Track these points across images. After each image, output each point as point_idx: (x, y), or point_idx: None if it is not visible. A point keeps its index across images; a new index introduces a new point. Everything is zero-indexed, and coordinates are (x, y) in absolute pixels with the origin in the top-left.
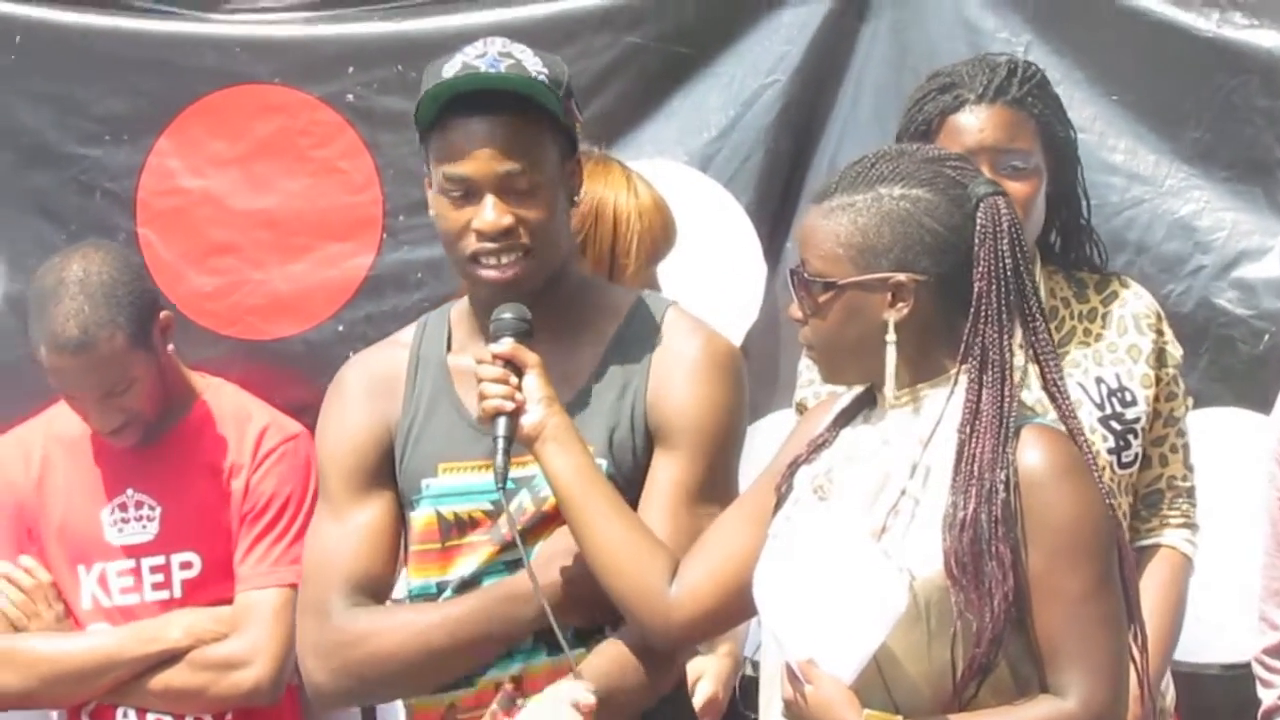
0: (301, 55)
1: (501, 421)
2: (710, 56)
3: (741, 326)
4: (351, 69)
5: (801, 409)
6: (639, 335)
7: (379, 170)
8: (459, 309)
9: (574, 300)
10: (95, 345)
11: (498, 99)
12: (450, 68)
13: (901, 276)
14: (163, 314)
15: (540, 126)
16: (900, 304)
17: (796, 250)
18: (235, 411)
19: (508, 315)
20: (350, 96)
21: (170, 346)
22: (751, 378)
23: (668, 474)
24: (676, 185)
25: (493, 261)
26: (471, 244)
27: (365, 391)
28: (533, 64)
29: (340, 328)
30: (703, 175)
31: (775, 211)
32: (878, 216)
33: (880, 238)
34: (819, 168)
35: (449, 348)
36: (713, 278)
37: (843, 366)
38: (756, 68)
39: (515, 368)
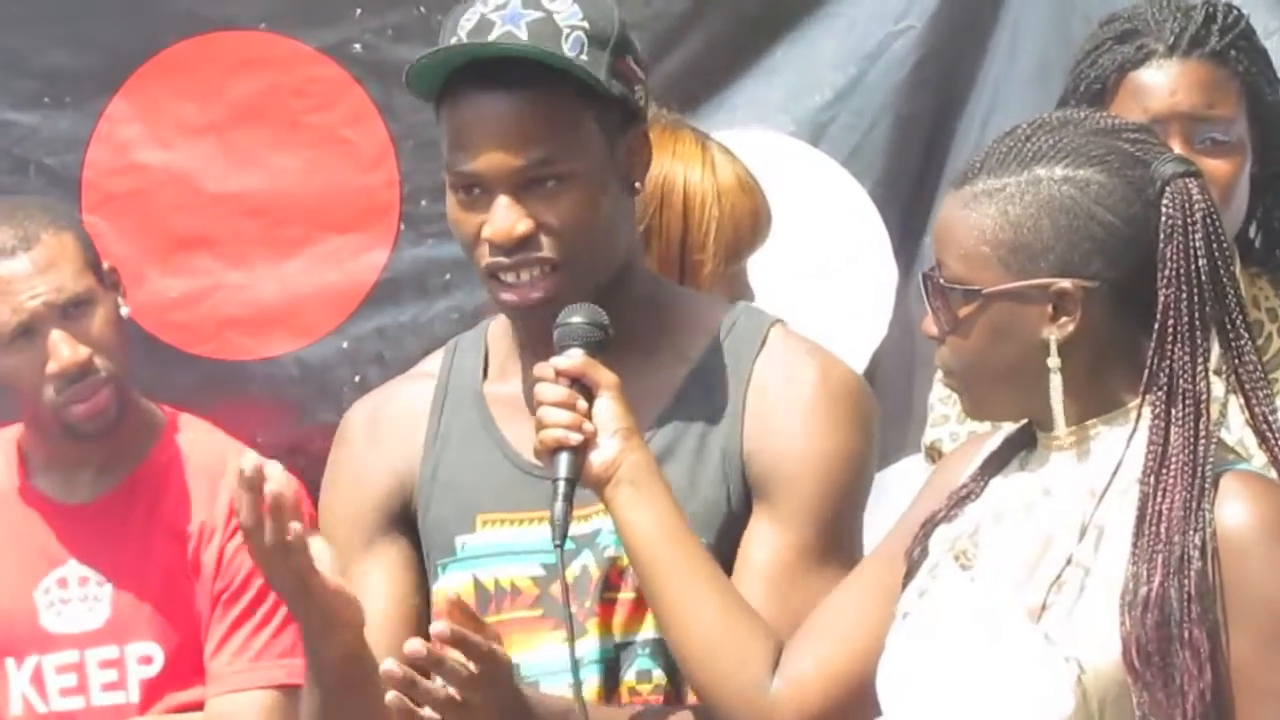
0: None
1: (564, 458)
2: None
3: (865, 348)
4: (359, 11)
5: (935, 454)
6: (731, 359)
7: (395, 141)
8: (499, 326)
9: (642, 312)
10: (39, 240)
11: (519, 64)
12: (466, 22)
13: (1065, 283)
14: (107, 263)
15: (575, 99)
16: (1064, 318)
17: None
18: (207, 457)
19: (578, 319)
20: (358, 46)
21: (125, 310)
22: (880, 412)
23: (771, 541)
24: (779, 163)
25: (510, 279)
26: (484, 258)
27: (373, 436)
28: (568, 14)
29: (344, 345)
30: (814, 150)
31: (909, 197)
32: (1035, 205)
33: (1038, 233)
34: (964, 140)
35: (485, 374)
36: (827, 285)
37: (990, 398)
38: (883, 10)
39: (585, 389)
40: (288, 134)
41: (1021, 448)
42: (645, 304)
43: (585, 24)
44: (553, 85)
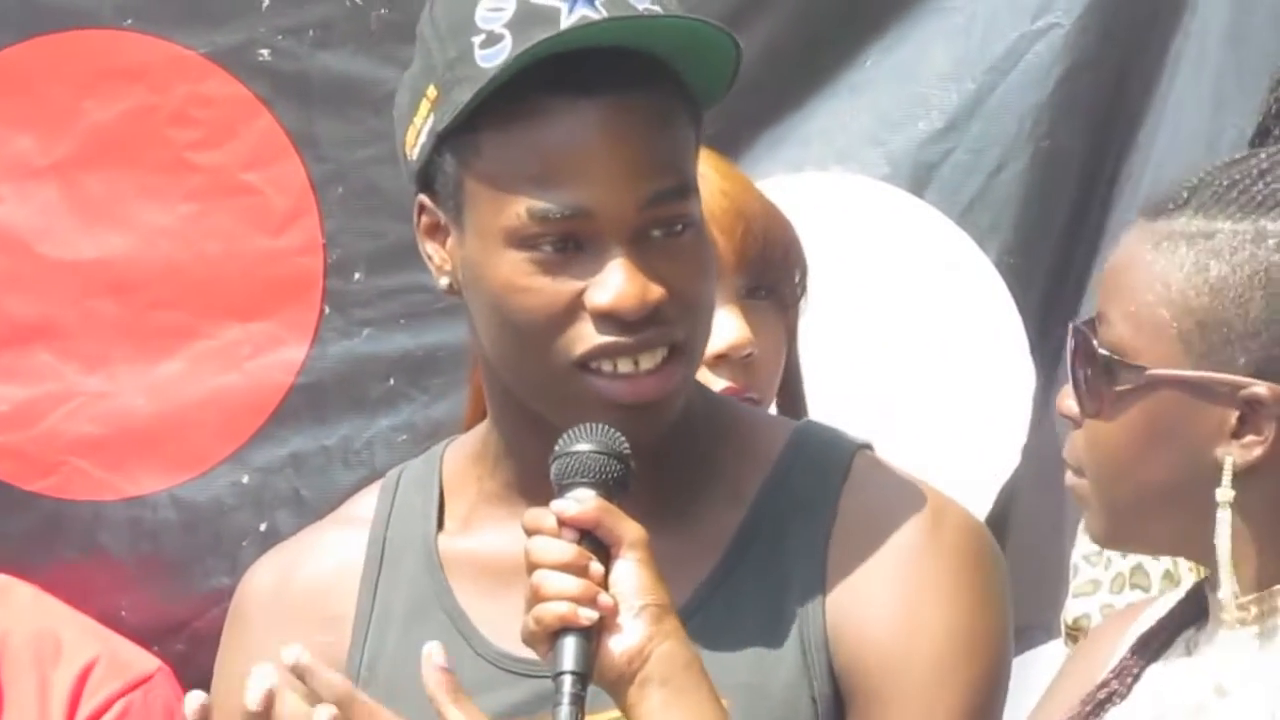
0: None
1: (570, 645)
2: None
3: (991, 484)
4: (267, 2)
5: (1079, 635)
6: (801, 499)
7: (317, 188)
8: (458, 455)
9: (685, 432)
10: None
11: (605, 66)
12: (493, 14)
13: (1261, 388)
14: None
15: (680, 105)
16: (1251, 436)
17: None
18: (34, 640)
19: (585, 447)
20: (265, 53)
21: None
22: (1014, 573)
23: None
24: (867, 217)
25: (626, 369)
26: (588, 338)
27: (278, 615)
28: None
29: (245, 479)
30: (917, 200)
31: (1052, 270)
32: (1249, 270)
33: (1243, 309)
34: (1132, 187)
35: (440, 524)
36: (934, 393)
37: (1130, 516)
38: (1016, 3)
39: (599, 546)
40: (165, 178)
41: (1187, 624)
42: (688, 420)
43: (653, 5)
44: (665, 86)
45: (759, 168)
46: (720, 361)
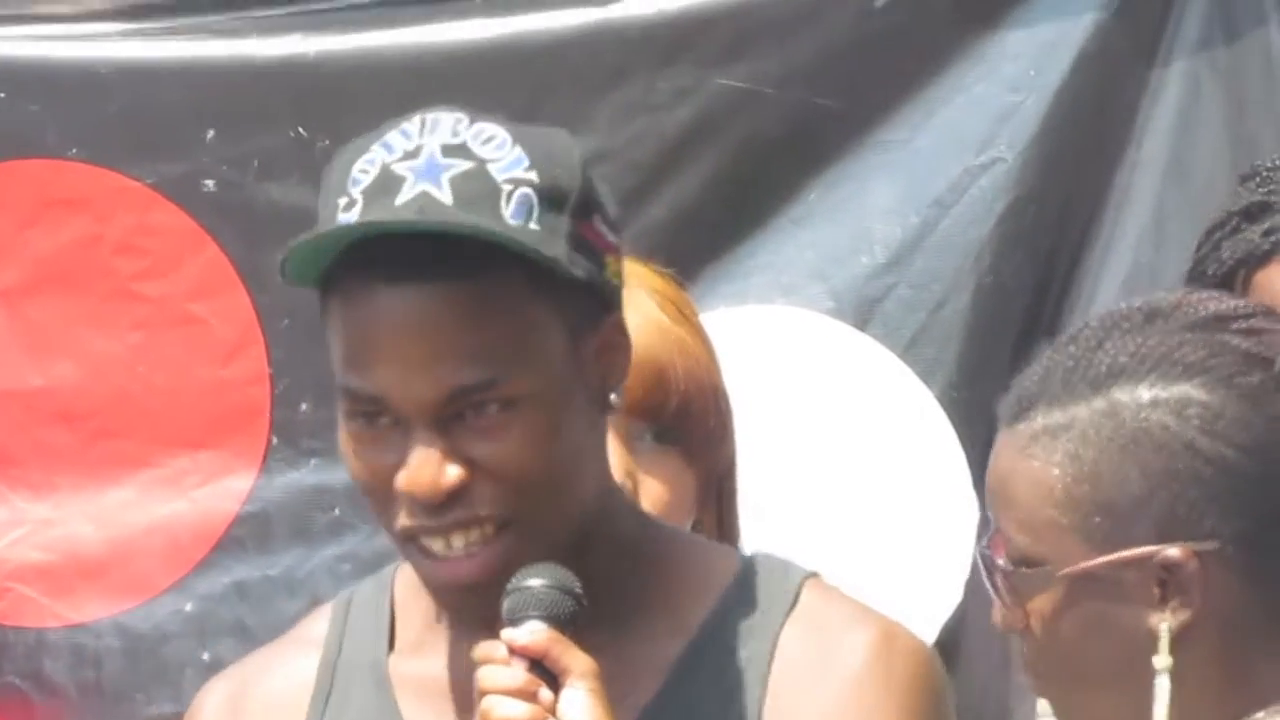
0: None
1: None
2: (872, 114)
3: (931, 620)
4: (212, 132)
5: None
6: (745, 627)
7: (263, 319)
8: (409, 577)
9: (623, 565)
10: None
11: (424, 250)
12: (362, 174)
13: (1173, 550)
14: None
15: (525, 288)
16: (1176, 600)
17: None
18: None
19: (538, 582)
20: (210, 184)
21: None
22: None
23: None
24: (810, 352)
25: (439, 549)
26: (401, 516)
27: None
28: (508, 162)
29: (188, 607)
30: (859, 334)
31: (997, 401)
32: (1115, 446)
33: (1123, 485)
34: (1077, 318)
35: (391, 644)
36: (874, 528)
37: (1083, 707)
38: (960, 137)
39: (548, 675)
40: (111, 308)
41: None
42: (627, 554)
43: (533, 175)
44: (493, 271)
45: (702, 301)
46: None
